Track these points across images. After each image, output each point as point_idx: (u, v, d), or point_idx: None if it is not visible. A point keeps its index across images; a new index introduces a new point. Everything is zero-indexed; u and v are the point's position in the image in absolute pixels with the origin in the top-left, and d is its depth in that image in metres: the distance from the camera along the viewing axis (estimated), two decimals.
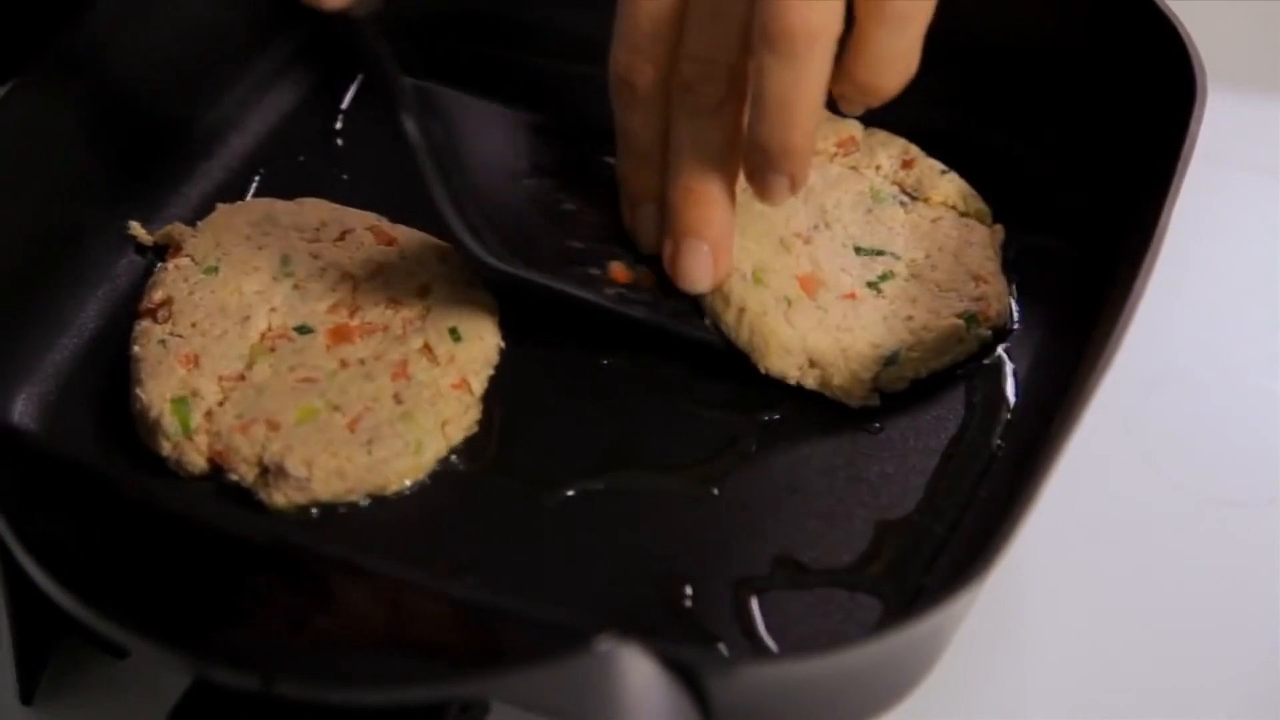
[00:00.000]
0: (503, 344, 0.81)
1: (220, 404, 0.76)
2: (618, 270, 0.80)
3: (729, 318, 0.79)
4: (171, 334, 0.79)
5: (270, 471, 0.74)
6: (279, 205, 0.86)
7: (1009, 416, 0.78)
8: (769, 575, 0.72)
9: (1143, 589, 0.74)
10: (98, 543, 0.61)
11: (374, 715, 0.58)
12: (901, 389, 0.79)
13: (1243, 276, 0.88)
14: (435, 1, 0.98)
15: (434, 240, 0.84)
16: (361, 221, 0.84)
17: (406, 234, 0.84)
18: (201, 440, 0.75)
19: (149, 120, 0.88)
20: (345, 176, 0.90)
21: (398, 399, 0.76)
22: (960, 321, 0.80)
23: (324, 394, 0.76)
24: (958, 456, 0.76)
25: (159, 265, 0.83)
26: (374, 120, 0.94)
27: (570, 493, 0.75)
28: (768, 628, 0.70)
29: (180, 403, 0.76)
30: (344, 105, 0.94)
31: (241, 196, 0.89)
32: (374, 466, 0.74)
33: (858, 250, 0.83)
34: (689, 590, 0.71)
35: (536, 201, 0.82)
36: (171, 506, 0.63)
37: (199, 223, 0.85)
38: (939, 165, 0.87)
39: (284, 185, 0.88)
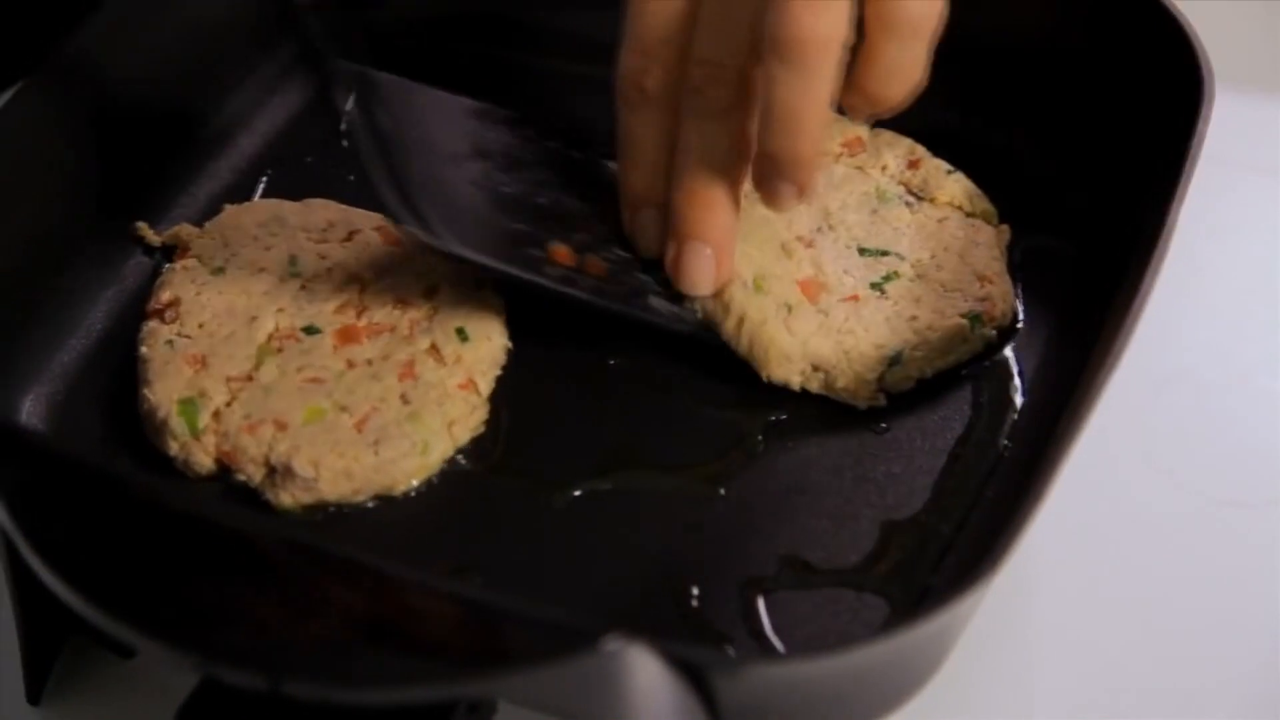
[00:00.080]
0: (510, 344, 0.81)
1: (228, 404, 0.76)
2: (559, 252, 0.80)
3: (729, 327, 0.79)
4: (179, 334, 0.79)
5: (277, 472, 0.74)
6: (286, 206, 0.86)
7: (1015, 417, 0.78)
8: (776, 575, 0.72)
9: (1148, 589, 0.74)
10: (105, 543, 0.61)
11: (381, 715, 0.58)
12: (907, 389, 0.79)
13: (1248, 277, 0.88)
14: (436, 2, 0.98)
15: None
16: (369, 222, 0.84)
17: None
18: (209, 440, 0.75)
19: (156, 121, 0.88)
20: (352, 177, 0.89)
21: (405, 399, 0.76)
22: (965, 321, 0.80)
23: (331, 394, 0.76)
24: (964, 457, 0.76)
25: (166, 266, 0.83)
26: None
27: (577, 493, 0.75)
28: (774, 627, 0.70)
29: (188, 403, 0.76)
30: (349, 105, 0.94)
31: (249, 197, 0.89)
32: (381, 467, 0.74)
33: (862, 251, 0.83)
34: (695, 590, 0.71)
35: (479, 185, 0.82)
36: (179, 507, 0.63)
37: (206, 223, 0.85)
38: (945, 165, 0.87)
39: (291, 186, 0.88)
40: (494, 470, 0.76)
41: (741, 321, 0.79)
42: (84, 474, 0.63)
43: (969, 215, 0.85)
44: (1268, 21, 1.03)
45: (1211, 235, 0.87)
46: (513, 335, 0.81)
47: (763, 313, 0.79)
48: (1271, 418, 0.81)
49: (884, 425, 0.78)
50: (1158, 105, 0.81)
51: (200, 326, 0.79)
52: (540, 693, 0.59)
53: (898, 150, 0.87)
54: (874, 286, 0.81)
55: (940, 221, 0.85)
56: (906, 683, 0.65)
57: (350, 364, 0.78)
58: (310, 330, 0.79)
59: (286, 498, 0.74)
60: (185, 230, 0.85)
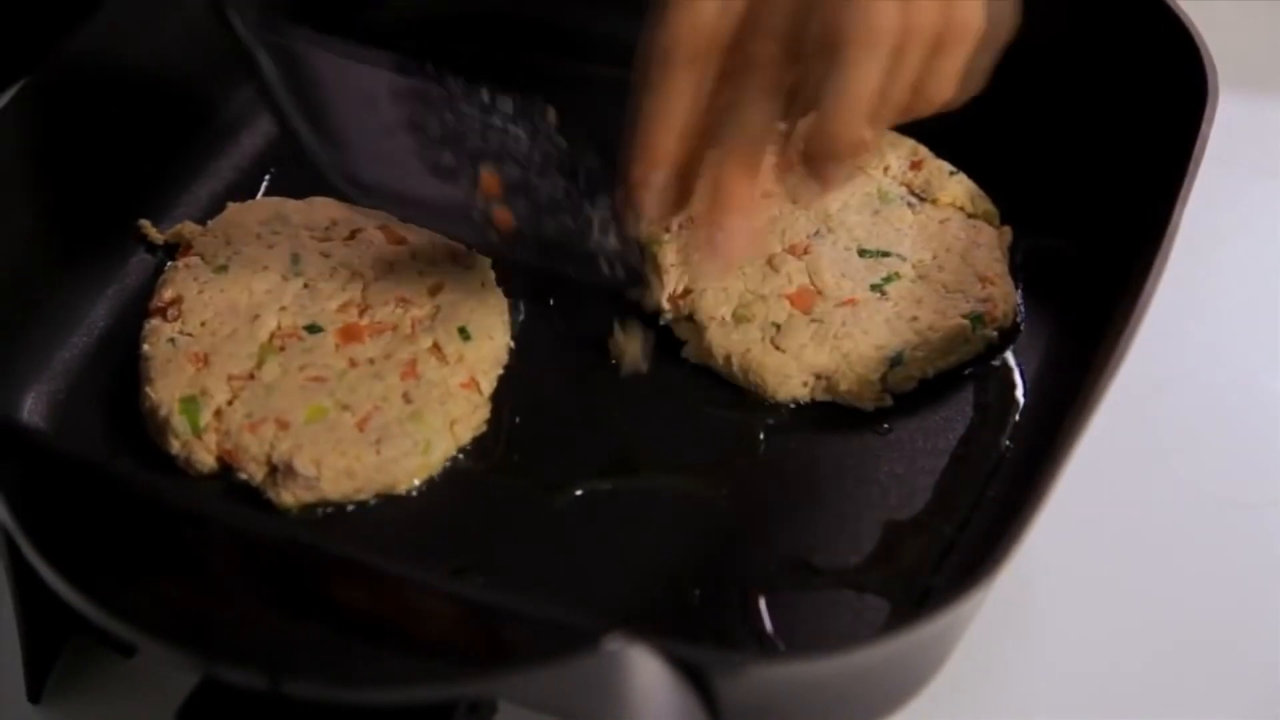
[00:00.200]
0: (512, 343, 0.81)
1: (229, 403, 0.76)
2: (489, 181, 0.79)
3: (720, 365, 0.80)
4: (181, 333, 0.79)
5: (279, 470, 0.74)
6: (289, 204, 0.86)
7: (1017, 418, 0.78)
8: (777, 575, 0.72)
9: (1151, 589, 0.74)
10: (106, 541, 0.61)
11: (382, 714, 0.58)
12: (910, 389, 0.79)
13: (1251, 278, 0.88)
14: (437, 2, 0.98)
15: (444, 240, 0.84)
16: (372, 221, 0.84)
17: (416, 233, 0.84)
18: (210, 439, 0.75)
19: (158, 120, 0.88)
20: None
21: (407, 398, 0.76)
22: (966, 322, 0.80)
23: (333, 393, 0.76)
24: (967, 457, 0.76)
25: (169, 264, 0.83)
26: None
27: (579, 492, 0.75)
28: (776, 628, 0.70)
29: (189, 401, 0.76)
30: None
31: (252, 195, 0.89)
32: (383, 466, 0.74)
33: (863, 253, 0.83)
34: (697, 590, 0.71)
35: (414, 153, 0.81)
36: (180, 505, 0.63)
37: (209, 221, 0.85)
38: (947, 166, 0.87)
39: (294, 184, 0.88)
40: (496, 470, 0.76)
41: (729, 358, 0.79)
42: (85, 472, 0.63)
43: (971, 216, 0.85)
44: (1271, 23, 1.03)
45: (1214, 236, 0.87)
46: (515, 334, 0.81)
47: (745, 343, 0.79)
48: (1274, 418, 0.81)
49: (886, 426, 0.78)
50: (1161, 106, 0.81)
51: (202, 325, 0.79)
52: (541, 692, 0.59)
53: (900, 151, 0.87)
54: (874, 288, 0.81)
55: (942, 222, 0.85)
56: (908, 683, 0.65)
57: (352, 363, 0.78)
58: (312, 329, 0.79)
59: (288, 496, 0.74)
60: (188, 228, 0.85)
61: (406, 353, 0.78)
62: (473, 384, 0.78)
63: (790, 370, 0.78)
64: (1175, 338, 0.82)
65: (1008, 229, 0.85)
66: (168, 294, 0.81)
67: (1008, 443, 0.77)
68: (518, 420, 0.78)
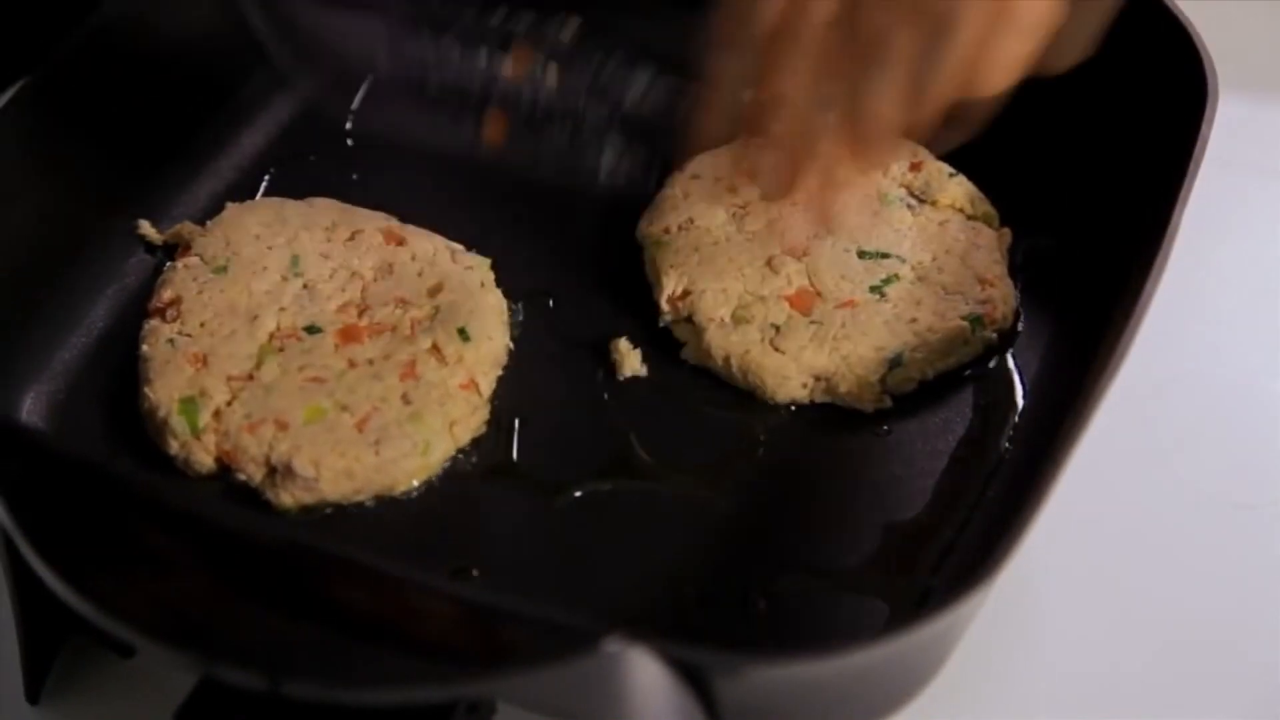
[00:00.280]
0: (511, 344, 0.81)
1: (228, 403, 0.76)
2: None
3: (720, 367, 0.80)
4: (180, 333, 0.79)
5: (278, 471, 0.74)
6: (289, 205, 0.86)
7: (1016, 419, 0.78)
8: (777, 576, 0.72)
9: (1151, 590, 0.74)
10: (105, 542, 0.61)
11: (381, 715, 0.58)
12: (910, 390, 0.79)
13: (1252, 279, 0.88)
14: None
15: (444, 241, 0.84)
16: (371, 222, 0.84)
17: (416, 235, 0.84)
18: (209, 440, 0.75)
19: (157, 120, 0.88)
20: (355, 176, 0.90)
21: (406, 399, 0.76)
22: (965, 324, 0.80)
23: (332, 394, 0.76)
24: (966, 459, 0.76)
25: (168, 264, 0.83)
26: (384, 120, 0.94)
27: (578, 493, 0.75)
28: (775, 629, 0.70)
29: (188, 402, 0.76)
30: (354, 105, 0.94)
31: (251, 196, 0.89)
32: (382, 467, 0.74)
33: (862, 254, 0.83)
34: (696, 591, 0.71)
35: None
36: (179, 506, 0.63)
37: (209, 222, 0.85)
38: (947, 168, 0.87)
39: (294, 185, 0.88)
40: (495, 471, 0.76)
41: (728, 359, 0.79)
42: (84, 473, 0.63)
43: (970, 218, 0.85)
44: (1271, 23, 1.03)
45: (1214, 237, 0.87)
46: (514, 335, 0.81)
47: (744, 344, 0.79)
48: (1274, 418, 0.81)
49: (885, 428, 0.78)
50: (1161, 108, 0.81)
51: (201, 325, 0.79)
52: (540, 693, 0.59)
53: (900, 153, 0.87)
54: (874, 289, 0.81)
55: (941, 224, 0.85)
56: (907, 684, 0.65)
57: (352, 363, 0.78)
58: (312, 329, 0.79)
59: (287, 497, 0.74)
60: (187, 228, 0.85)
61: (406, 354, 0.78)
62: (472, 385, 0.78)
63: (789, 372, 0.78)
64: (1175, 339, 0.82)
65: (1007, 231, 0.85)
66: (167, 294, 0.81)
67: (1007, 444, 0.77)
68: (517, 421, 0.78)
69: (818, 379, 0.79)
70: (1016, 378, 0.80)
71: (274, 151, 0.92)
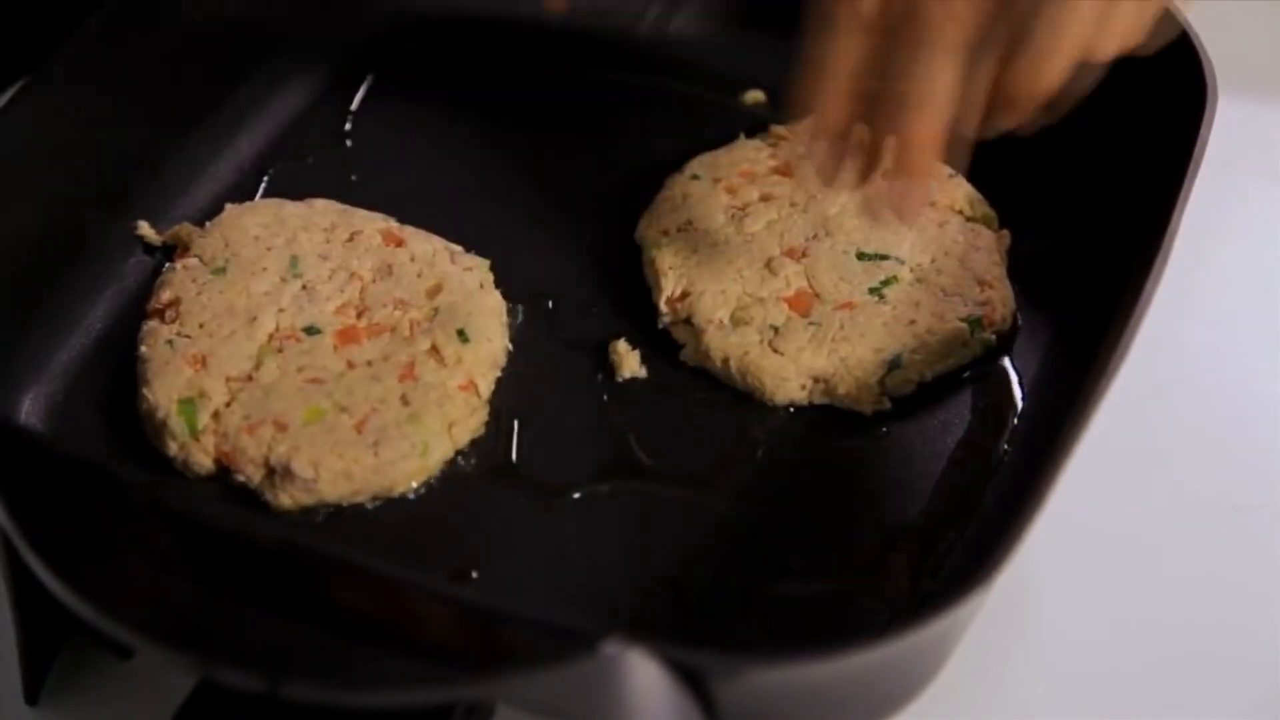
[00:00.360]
0: (510, 346, 0.81)
1: (227, 405, 0.76)
2: None
3: (719, 369, 0.80)
4: (179, 334, 0.79)
5: (277, 472, 0.74)
6: (288, 206, 0.86)
7: (1015, 421, 0.78)
8: (775, 578, 0.72)
9: (1150, 591, 0.74)
10: (104, 543, 0.61)
11: (380, 717, 0.58)
12: (909, 392, 0.79)
13: (1251, 282, 0.88)
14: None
15: (443, 242, 0.84)
16: (370, 223, 0.84)
17: (415, 235, 0.84)
18: (208, 441, 0.75)
19: (157, 121, 0.88)
20: (354, 178, 0.90)
21: (405, 400, 0.76)
22: (964, 325, 0.80)
23: (331, 395, 0.76)
24: (965, 461, 0.76)
25: (167, 265, 0.83)
26: (383, 122, 0.94)
27: (577, 495, 0.75)
28: (774, 631, 0.70)
29: (187, 403, 0.76)
30: (353, 106, 0.94)
31: (250, 197, 0.89)
32: (380, 468, 0.74)
33: (861, 256, 0.83)
34: (695, 593, 0.71)
35: None
36: (178, 507, 0.63)
37: (207, 223, 0.85)
38: (946, 169, 0.87)
39: (293, 186, 0.88)
40: (494, 472, 0.76)
41: (727, 361, 0.79)
42: (83, 474, 0.63)
43: (969, 220, 0.85)
44: (1271, 24, 1.03)
45: (1214, 239, 0.87)
46: (513, 336, 0.81)
47: (743, 345, 0.79)
48: (1273, 421, 0.81)
49: (884, 430, 0.78)
50: (1160, 110, 0.81)
51: (200, 326, 0.79)
52: (538, 695, 0.59)
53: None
54: (872, 291, 0.81)
55: (941, 226, 0.84)
56: (907, 686, 0.65)
57: (350, 365, 0.78)
58: (311, 331, 0.79)
59: (286, 498, 0.74)
60: (186, 229, 0.85)
61: (405, 355, 0.78)
62: (471, 386, 0.78)
63: (788, 373, 0.78)
64: (1175, 341, 0.82)
65: (1006, 232, 0.85)
66: (166, 295, 0.81)
67: (1006, 446, 0.77)
68: (516, 423, 0.78)
69: (816, 381, 0.79)
70: (1015, 380, 0.80)
71: (273, 153, 0.92)
